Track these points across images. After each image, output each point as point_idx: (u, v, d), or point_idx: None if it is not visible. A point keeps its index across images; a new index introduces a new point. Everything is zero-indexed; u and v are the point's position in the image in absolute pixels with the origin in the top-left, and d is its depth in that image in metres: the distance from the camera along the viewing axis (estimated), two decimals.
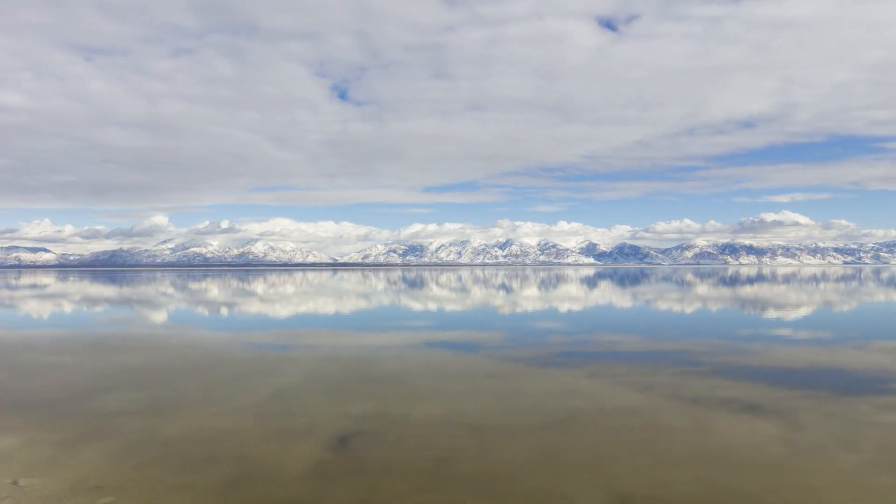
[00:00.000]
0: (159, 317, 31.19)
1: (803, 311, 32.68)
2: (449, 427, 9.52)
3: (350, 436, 9.06)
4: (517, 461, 7.99)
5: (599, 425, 9.65)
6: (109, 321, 28.99)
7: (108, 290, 61.04)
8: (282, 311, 34.43)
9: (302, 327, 25.23)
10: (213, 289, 63.38)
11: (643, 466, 7.71)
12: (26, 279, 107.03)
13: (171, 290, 61.95)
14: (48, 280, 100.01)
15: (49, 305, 39.66)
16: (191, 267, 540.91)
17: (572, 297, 47.79)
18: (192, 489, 7.10)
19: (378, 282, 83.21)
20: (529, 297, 46.21)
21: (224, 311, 35.30)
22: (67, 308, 37.89)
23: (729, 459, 8.00)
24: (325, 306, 37.32)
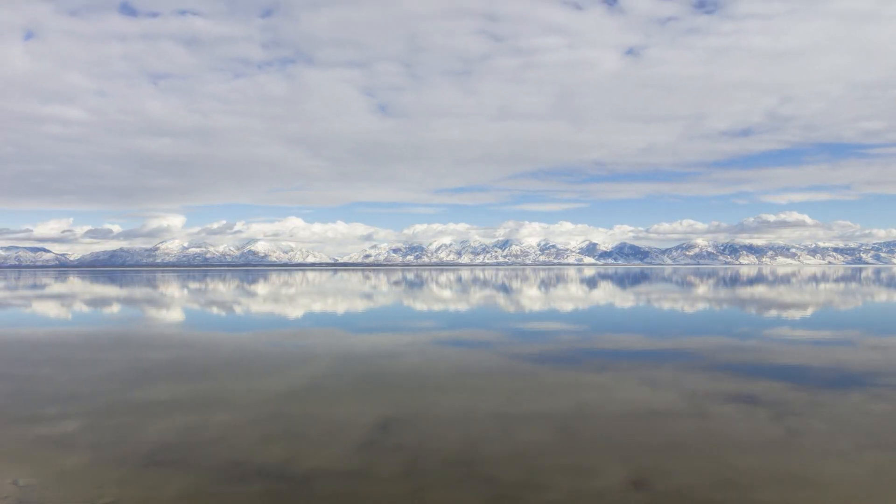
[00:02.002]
0: (169, 316, 32.08)
1: (800, 311, 33.59)
2: (474, 414, 10.44)
3: (386, 421, 9.98)
4: (541, 441, 8.92)
5: (610, 413, 10.54)
6: (119, 320, 29.89)
7: (98, 290, 61.91)
8: (292, 311, 35.32)
9: (315, 326, 26.13)
10: (214, 290, 64.25)
11: (654, 447, 8.64)
12: (24, 280, 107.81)
13: (169, 290, 62.80)
14: (44, 281, 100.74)
15: (58, 305, 40.57)
16: (190, 267, 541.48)
17: (573, 297, 48.68)
18: (252, 464, 7.97)
19: (379, 283, 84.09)
20: (532, 297, 47.11)
21: (237, 310, 36.21)
22: (75, 307, 38.79)
23: (729, 441, 8.89)
24: (334, 306, 38.27)
